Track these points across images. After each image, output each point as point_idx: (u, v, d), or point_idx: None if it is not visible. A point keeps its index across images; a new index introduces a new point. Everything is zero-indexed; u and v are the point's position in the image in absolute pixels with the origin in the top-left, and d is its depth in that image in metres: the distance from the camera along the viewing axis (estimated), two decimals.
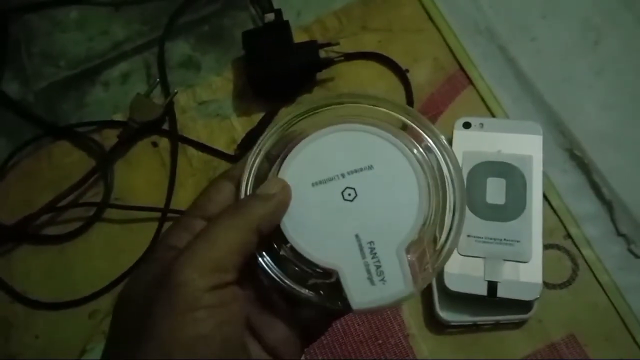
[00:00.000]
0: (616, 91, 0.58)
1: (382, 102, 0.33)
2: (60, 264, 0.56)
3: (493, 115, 0.58)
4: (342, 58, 0.62)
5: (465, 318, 0.50)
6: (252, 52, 0.61)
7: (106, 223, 0.58)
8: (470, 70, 0.60)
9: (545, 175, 0.54)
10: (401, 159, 0.31)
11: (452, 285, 0.49)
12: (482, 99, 0.59)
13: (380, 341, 0.51)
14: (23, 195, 0.59)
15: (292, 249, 0.30)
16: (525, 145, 0.53)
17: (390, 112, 0.33)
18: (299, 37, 0.63)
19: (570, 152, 0.56)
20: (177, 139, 0.60)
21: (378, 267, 0.29)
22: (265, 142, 0.32)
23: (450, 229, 0.31)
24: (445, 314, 0.50)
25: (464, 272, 0.49)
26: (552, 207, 0.54)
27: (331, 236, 0.30)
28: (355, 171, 0.31)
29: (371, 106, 0.33)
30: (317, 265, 0.30)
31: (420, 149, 0.32)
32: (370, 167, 0.31)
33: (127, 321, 0.28)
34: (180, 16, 0.67)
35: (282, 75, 0.61)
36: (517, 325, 0.50)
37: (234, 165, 0.33)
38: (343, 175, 0.31)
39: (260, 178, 0.31)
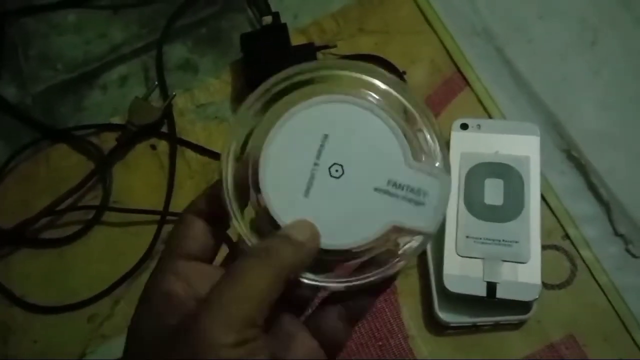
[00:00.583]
0: (614, 91, 0.58)
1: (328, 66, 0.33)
2: (59, 267, 0.56)
3: (490, 117, 0.58)
4: None
5: (465, 319, 0.50)
6: (250, 54, 0.62)
7: (105, 226, 0.58)
8: (467, 72, 0.61)
9: (542, 176, 0.54)
10: (337, 107, 0.31)
11: (451, 286, 0.49)
12: (479, 100, 0.59)
13: (380, 343, 0.51)
14: (21, 198, 0.59)
15: (344, 251, 0.30)
16: (522, 146, 0.54)
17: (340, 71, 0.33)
18: (296, 40, 0.63)
19: (568, 153, 0.56)
20: (176, 142, 0.60)
21: (411, 189, 0.30)
22: (231, 150, 0.32)
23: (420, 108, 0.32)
24: (444, 315, 0.50)
25: (463, 273, 0.50)
26: (550, 208, 0.54)
27: (360, 211, 0.31)
28: (320, 149, 0.31)
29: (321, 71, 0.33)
30: (372, 244, 0.30)
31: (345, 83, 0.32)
32: (326, 137, 0.31)
33: None
34: (178, 19, 0.67)
35: None
36: (516, 326, 0.50)
37: (196, 198, 0.32)
38: (317, 163, 0.31)
39: (240, 184, 0.31)
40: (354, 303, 0.32)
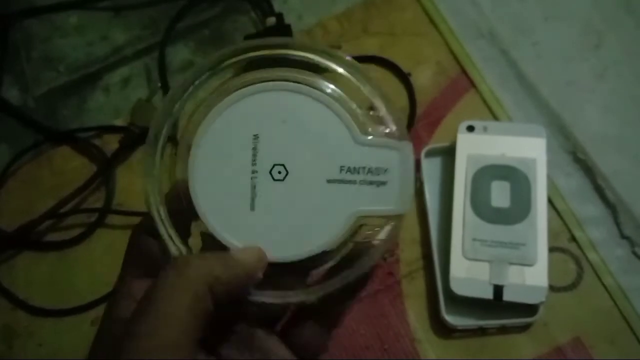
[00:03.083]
0: (618, 94, 0.58)
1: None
2: (62, 270, 0.56)
3: (496, 119, 0.58)
4: None
5: (471, 322, 0.49)
6: None
7: (108, 229, 0.57)
8: (473, 74, 0.60)
9: (549, 179, 0.53)
10: (264, 97, 0.28)
11: (458, 289, 0.49)
12: (485, 103, 0.59)
13: (386, 346, 0.50)
14: (24, 201, 0.59)
15: (308, 259, 0.27)
16: (529, 149, 0.53)
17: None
18: None
19: (574, 155, 0.56)
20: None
21: (368, 170, 0.27)
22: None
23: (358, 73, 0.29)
24: (451, 318, 0.49)
25: (469, 275, 0.49)
26: (556, 210, 0.54)
27: (314, 208, 0.28)
28: (255, 152, 0.28)
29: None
30: (338, 244, 0.27)
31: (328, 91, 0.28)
32: (257, 137, 0.28)
33: None
34: (180, 20, 0.67)
35: None
36: (523, 328, 0.50)
37: (144, 217, 0.30)
38: (254, 169, 0.28)
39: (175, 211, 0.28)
40: (330, 310, 0.30)
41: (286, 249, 0.27)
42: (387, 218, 0.27)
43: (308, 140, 0.27)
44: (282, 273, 0.28)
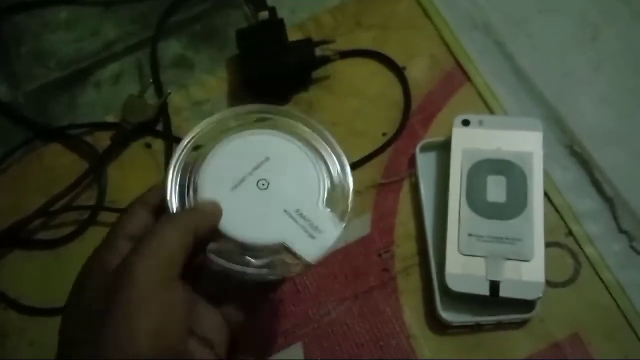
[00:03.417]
0: (615, 86, 0.58)
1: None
2: (54, 269, 0.55)
3: (491, 112, 0.57)
4: (338, 56, 0.61)
5: (467, 318, 0.49)
6: (246, 50, 0.61)
7: (100, 226, 0.56)
8: (468, 67, 0.60)
9: (545, 172, 0.53)
10: (285, 143, 0.40)
11: (454, 285, 0.48)
12: (480, 96, 0.58)
13: (381, 343, 0.50)
14: (14, 199, 0.58)
15: (238, 243, 0.36)
16: (525, 142, 0.53)
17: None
18: (293, 35, 0.62)
19: (571, 148, 0.55)
20: (172, 140, 0.59)
21: (311, 224, 0.37)
22: (179, 161, 0.39)
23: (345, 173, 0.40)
24: (447, 315, 0.49)
25: (465, 271, 0.49)
26: (553, 205, 0.53)
27: (266, 220, 0.37)
28: (258, 166, 0.39)
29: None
30: (265, 247, 0.36)
31: (301, 131, 0.41)
32: (268, 159, 0.39)
33: (80, 322, 0.33)
34: (171, 15, 0.66)
35: (277, 74, 0.60)
36: (520, 324, 0.49)
37: (146, 191, 0.39)
38: (251, 173, 0.38)
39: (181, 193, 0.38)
40: (251, 294, 0.38)
41: (233, 227, 0.36)
42: (299, 259, 0.36)
43: (294, 183, 0.38)
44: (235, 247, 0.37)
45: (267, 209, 0.37)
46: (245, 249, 0.36)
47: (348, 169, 0.40)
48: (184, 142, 0.39)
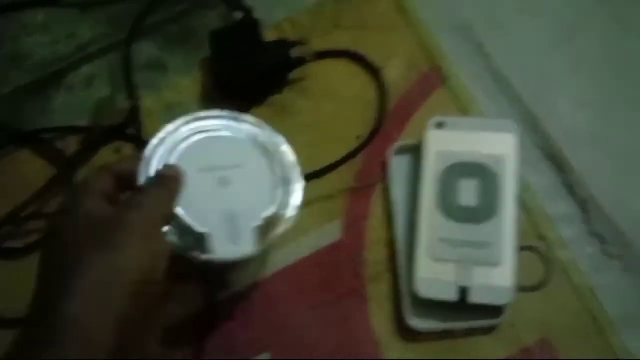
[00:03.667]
0: (591, 88, 0.57)
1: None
2: (22, 278, 0.51)
3: (468, 114, 0.57)
4: (314, 57, 0.60)
5: (436, 325, 0.48)
6: (220, 52, 0.60)
7: None
8: (445, 68, 0.59)
9: (519, 176, 0.52)
10: (266, 166, 0.45)
11: (423, 291, 0.48)
12: (457, 98, 0.58)
13: (350, 351, 0.49)
14: None
15: (178, 218, 0.41)
16: (499, 145, 0.52)
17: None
18: (269, 36, 0.61)
19: (546, 151, 0.55)
20: (143, 145, 0.58)
21: (236, 233, 0.42)
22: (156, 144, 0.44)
23: (289, 213, 0.45)
24: (416, 322, 0.48)
25: (435, 277, 0.48)
26: (526, 208, 0.52)
27: (206, 209, 0.42)
28: (232, 167, 0.44)
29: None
30: (191, 228, 0.41)
31: (277, 156, 0.46)
32: (243, 167, 0.44)
33: (61, 255, 0.36)
34: (147, 16, 0.65)
35: (252, 75, 0.59)
36: (490, 330, 0.48)
37: (116, 162, 0.44)
38: (222, 168, 0.44)
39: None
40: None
41: (184, 205, 0.41)
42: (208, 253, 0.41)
43: (250, 192, 0.44)
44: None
45: (213, 201, 0.42)
46: (180, 224, 0.41)
47: (297, 206, 0.45)
48: (159, 134, 0.44)
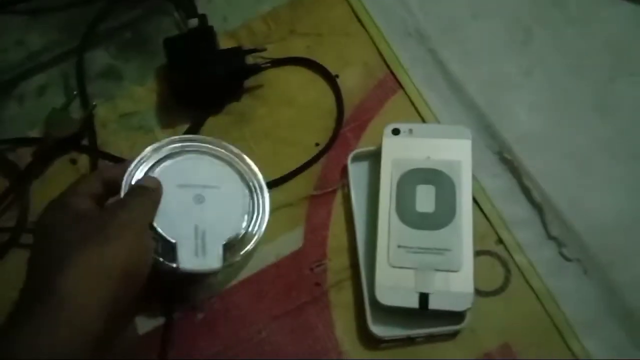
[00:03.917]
0: (545, 92, 0.58)
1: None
2: None
3: (423, 120, 0.57)
4: (270, 64, 0.60)
5: (398, 332, 0.48)
6: (175, 59, 0.59)
7: (23, 249, 0.54)
8: (400, 75, 0.59)
9: (475, 180, 0.53)
10: (239, 190, 0.50)
11: (383, 298, 0.48)
12: (413, 104, 0.58)
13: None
14: None
15: (154, 226, 0.45)
16: (454, 151, 0.52)
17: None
18: (225, 43, 0.61)
19: (501, 155, 0.55)
20: (97, 155, 0.57)
21: (203, 247, 0.46)
22: (144, 158, 0.48)
23: (255, 234, 0.49)
24: (377, 329, 0.48)
25: (395, 284, 0.48)
26: (483, 213, 0.53)
27: (179, 222, 0.46)
28: (208, 186, 0.48)
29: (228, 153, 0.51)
30: (164, 237, 0.45)
31: (250, 184, 0.50)
32: (218, 187, 0.49)
33: (52, 249, 0.40)
34: (100, 23, 0.64)
35: (207, 83, 0.58)
36: (451, 336, 0.49)
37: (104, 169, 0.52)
38: (198, 186, 0.48)
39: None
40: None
41: (159, 215, 0.46)
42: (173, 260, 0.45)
43: (222, 212, 0.48)
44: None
45: (186, 216, 0.46)
46: (155, 232, 0.45)
47: (263, 228, 0.49)
48: (135, 161, 0.47)
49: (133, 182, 0.46)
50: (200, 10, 0.63)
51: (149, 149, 0.48)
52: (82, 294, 0.37)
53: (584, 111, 0.57)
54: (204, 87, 0.58)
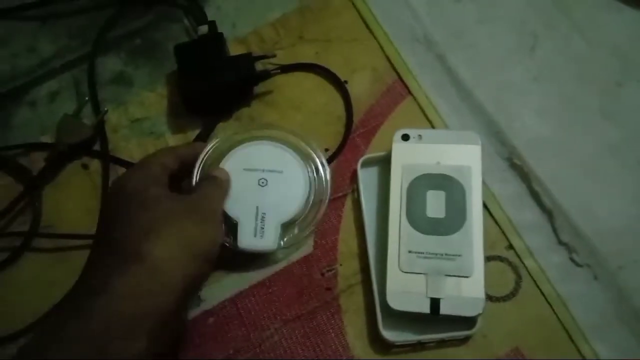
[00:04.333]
0: (553, 97, 0.58)
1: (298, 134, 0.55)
2: None
3: (432, 126, 0.57)
4: (279, 70, 0.60)
5: (409, 337, 0.48)
6: (185, 66, 0.59)
7: (35, 253, 0.54)
8: (409, 80, 0.59)
9: (485, 186, 0.53)
10: (300, 173, 0.52)
11: (395, 303, 0.48)
12: (422, 110, 0.58)
13: None
14: None
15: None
16: (464, 156, 0.53)
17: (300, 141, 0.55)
18: (235, 50, 0.61)
19: (510, 161, 0.55)
20: (109, 160, 0.57)
21: (262, 228, 0.50)
22: (215, 146, 0.53)
23: (314, 219, 0.52)
24: (389, 334, 0.48)
25: (406, 289, 0.48)
26: (493, 218, 0.53)
27: (242, 203, 0.50)
28: (272, 170, 0.52)
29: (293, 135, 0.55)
30: (228, 216, 0.50)
31: (312, 167, 0.53)
32: (281, 172, 0.52)
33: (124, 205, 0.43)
34: (110, 30, 0.65)
35: (217, 89, 0.59)
36: (463, 341, 0.49)
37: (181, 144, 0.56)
38: (263, 171, 0.52)
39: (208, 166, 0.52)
40: None
41: (227, 205, 0.50)
42: (232, 239, 0.50)
43: (284, 196, 0.51)
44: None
45: (250, 198, 0.50)
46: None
47: (321, 213, 0.53)
48: (208, 148, 0.52)
49: (205, 168, 0.51)
50: (209, 17, 0.63)
51: (221, 136, 0.54)
52: (168, 266, 0.40)
53: (592, 116, 0.57)
54: (214, 93, 0.59)
